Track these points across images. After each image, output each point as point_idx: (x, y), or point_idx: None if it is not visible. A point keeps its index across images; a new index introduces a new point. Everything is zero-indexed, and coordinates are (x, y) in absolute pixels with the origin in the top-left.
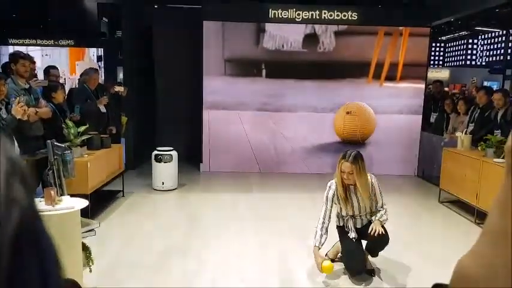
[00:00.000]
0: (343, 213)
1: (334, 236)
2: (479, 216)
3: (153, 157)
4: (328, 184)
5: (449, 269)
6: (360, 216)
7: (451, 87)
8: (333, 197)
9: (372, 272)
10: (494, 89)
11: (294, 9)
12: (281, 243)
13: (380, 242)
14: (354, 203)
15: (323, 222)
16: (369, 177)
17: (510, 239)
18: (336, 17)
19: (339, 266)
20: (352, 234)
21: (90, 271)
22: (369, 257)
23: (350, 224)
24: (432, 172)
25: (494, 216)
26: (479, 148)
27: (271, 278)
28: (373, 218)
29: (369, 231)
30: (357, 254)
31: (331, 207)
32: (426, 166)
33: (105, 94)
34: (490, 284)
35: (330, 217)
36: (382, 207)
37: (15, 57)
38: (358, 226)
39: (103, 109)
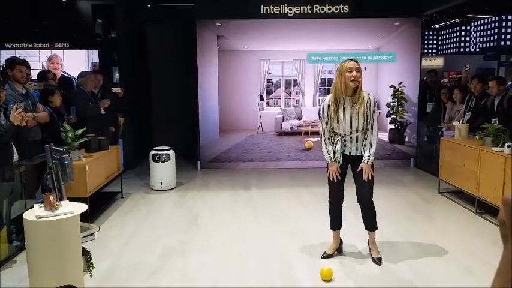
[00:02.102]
0: (335, 130)
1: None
2: (479, 206)
3: (150, 157)
4: (322, 100)
5: (451, 261)
6: (351, 136)
7: (446, 75)
8: (328, 108)
9: (379, 261)
10: (488, 77)
11: (286, 5)
12: (282, 240)
13: (366, 197)
14: (345, 117)
15: (324, 140)
16: (366, 93)
17: None
18: (327, 11)
19: (338, 264)
20: (331, 151)
21: (91, 276)
22: (375, 245)
23: (338, 146)
24: (431, 163)
25: (496, 284)
26: (476, 137)
27: (272, 277)
28: (363, 153)
29: (357, 170)
30: (336, 206)
31: (328, 121)
32: (424, 157)
33: (106, 96)
34: None
35: (329, 132)
36: (373, 128)
37: (12, 62)
38: (346, 152)
39: (102, 111)
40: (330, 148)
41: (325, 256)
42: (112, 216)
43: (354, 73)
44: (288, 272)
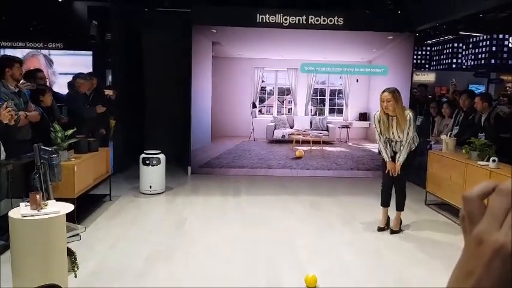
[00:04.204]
0: (386, 135)
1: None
2: None
3: (140, 160)
4: (374, 115)
5: (434, 271)
6: (396, 141)
7: (437, 90)
8: (379, 121)
9: (397, 232)
10: (476, 92)
11: (282, 14)
12: (269, 246)
13: (396, 182)
14: (393, 128)
15: (380, 141)
16: (406, 112)
17: None
18: (322, 22)
19: (322, 272)
20: (388, 152)
21: (75, 276)
22: (398, 222)
23: (388, 145)
24: (419, 175)
25: (455, 270)
26: (463, 151)
27: (258, 283)
28: (397, 155)
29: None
30: (386, 189)
31: (380, 128)
32: (412, 169)
33: (98, 98)
34: None
35: (383, 137)
36: (406, 141)
37: (10, 61)
38: (394, 149)
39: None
40: (387, 150)
41: (380, 229)
42: (99, 218)
43: (385, 104)
44: (274, 278)
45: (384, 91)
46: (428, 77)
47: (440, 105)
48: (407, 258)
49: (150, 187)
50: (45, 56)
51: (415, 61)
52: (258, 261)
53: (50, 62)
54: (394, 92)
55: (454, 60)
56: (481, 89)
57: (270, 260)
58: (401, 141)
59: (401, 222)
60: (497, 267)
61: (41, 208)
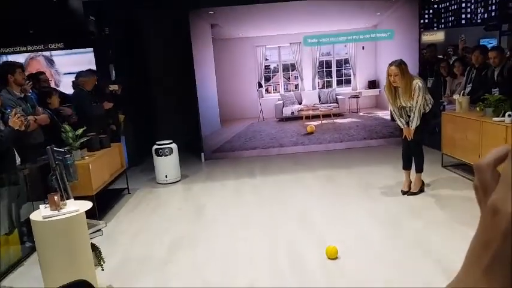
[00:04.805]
0: (397, 105)
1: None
2: None
3: (153, 152)
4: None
5: (457, 233)
6: (409, 107)
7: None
8: (390, 94)
9: (415, 193)
10: (488, 47)
11: None
12: (288, 224)
13: (412, 146)
14: (399, 98)
15: (394, 111)
16: (415, 81)
17: (480, 261)
18: None
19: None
20: (403, 120)
21: (102, 270)
22: (417, 184)
23: (403, 112)
24: (434, 138)
25: (473, 241)
26: (477, 108)
27: (282, 262)
28: (410, 120)
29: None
30: (405, 153)
31: (392, 102)
32: (427, 130)
33: (100, 95)
34: None
35: (398, 108)
36: (416, 107)
37: (11, 67)
38: (409, 114)
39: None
40: (401, 118)
41: (404, 192)
42: (120, 212)
43: (393, 78)
44: (296, 254)
45: (390, 65)
46: (437, 36)
47: (450, 64)
48: (429, 221)
49: (166, 177)
50: (45, 56)
51: (422, 21)
52: (278, 239)
53: (51, 62)
54: (401, 65)
55: (463, 16)
56: (493, 42)
57: (290, 237)
58: (410, 109)
59: (423, 184)
60: None
61: (61, 208)
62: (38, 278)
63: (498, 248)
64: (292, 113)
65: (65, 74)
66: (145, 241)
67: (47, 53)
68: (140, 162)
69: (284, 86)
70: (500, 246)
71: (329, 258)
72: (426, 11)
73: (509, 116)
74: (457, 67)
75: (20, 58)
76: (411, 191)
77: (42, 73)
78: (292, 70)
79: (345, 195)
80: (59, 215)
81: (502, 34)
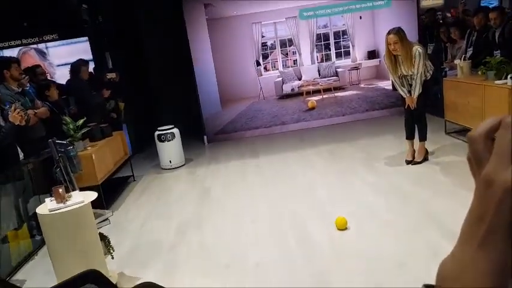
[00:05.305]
0: (398, 74)
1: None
2: None
3: (156, 137)
4: (383, 55)
5: (463, 200)
6: (410, 75)
7: (452, 13)
8: (390, 63)
9: (419, 162)
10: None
11: None
12: (294, 201)
13: (415, 114)
14: (400, 66)
15: (395, 80)
16: (414, 48)
17: (476, 235)
18: None
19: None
20: (405, 90)
21: (112, 258)
22: (421, 153)
23: (404, 81)
24: (436, 105)
25: (467, 215)
26: (479, 72)
27: (289, 239)
28: (412, 88)
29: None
30: (408, 122)
31: (392, 71)
32: (429, 100)
33: (95, 84)
34: (461, 278)
35: (399, 77)
36: (417, 74)
37: (6, 62)
38: (410, 83)
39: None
40: (403, 88)
41: (408, 162)
42: (127, 199)
43: (393, 46)
44: (302, 230)
45: (388, 33)
46: (437, 0)
47: (449, 29)
48: (434, 189)
49: (170, 162)
50: (36, 49)
51: None
52: (284, 217)
53: (43, 55)
54: (399, 32)
55: None
56: (494, 3)
57: (296, 214)
58: (412, 76)
59: (427, 152)
60: (509, 207)
61: (66, 200)
62: (50, 271)
63: (492, 220)
64: (293, 89)
65: (58, 65)
66: (153, 227)
67: (39, 46)
68: (143, 149)
69: (283, 62)
70: (495, 219)
71: (338, 229)
72: None
73: (511, 78)
74: (454, 32)
75: (15, 53)
76: (415, 160)
77: (39, 66)
78: (290, 45)
79: (349, 169)
80: (64, 207)
81: None
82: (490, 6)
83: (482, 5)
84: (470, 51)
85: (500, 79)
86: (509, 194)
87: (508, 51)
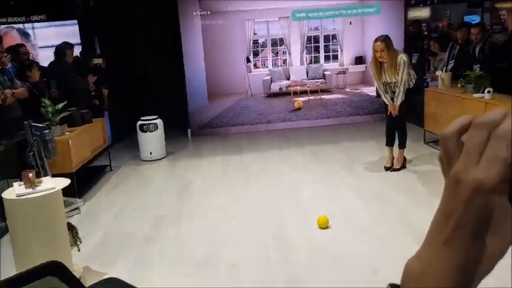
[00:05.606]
0: (382, 81)
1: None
2: None
3: (138, 127)
4: (369, 62)
5: (435, 209)
6: (394, 82)
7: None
8: (375, 70)
9: (398, 170)
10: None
11: None
12: (275, 200)
13: (396, 122)
14: (385, 73)
15: (379, 87)
16: (399, 56)
17: (443, 234)
18: None
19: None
20: (388, 96)
21: (79, 250)
22: (400, 160)
23: (388, 88)
24: (417, 114)
25: (435, 214)
26: (459, 85)
27: (267, 239)
28: (395, 95)
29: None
30: (389, 129)
31: (377, 77)
32: (411, 109)
33: (82, 67)
34: (423, 278)
35: (383, 84)
36: (401, 82)
37: None
38: (393, 90)
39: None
40: (386, 94)
41: (387, 168)
42: (102, 189)
43: (379, 53)
44: (282, 228)
45: (375, 40)
46: (423, 13)
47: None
48: (411, 197)
49: (151, 153)
50: (19, 30)
51: None
52: (265, 215)
53: (26, 36)
54: (386, 40)
55: None
56: (476, 20)
57: (276, 212)
58: (395, 83)
59: (405, 160)
60: (476, 206)
61: (36, 186)
62: (11, 261)
63: (459, 218)
64: (281, 88)
65: (42, 47)
66: (127, 219)
67: (25, 26)
68: (125, 138)
69: (272, 61)
70: (461, 217)
71: (320, 228)
72: None
73: (488, 92)
74: (433, 45)
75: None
76: (394, 167)
77: (22, 45)
78: (281, 45)
79: (331, 171)
80: (33, 192)
81: (484, 11)
82: (473, 22)
83: (465, 20)
84: (451, 64)
85: (478, 92)
86: (477, 192)
87: (487, 65)
